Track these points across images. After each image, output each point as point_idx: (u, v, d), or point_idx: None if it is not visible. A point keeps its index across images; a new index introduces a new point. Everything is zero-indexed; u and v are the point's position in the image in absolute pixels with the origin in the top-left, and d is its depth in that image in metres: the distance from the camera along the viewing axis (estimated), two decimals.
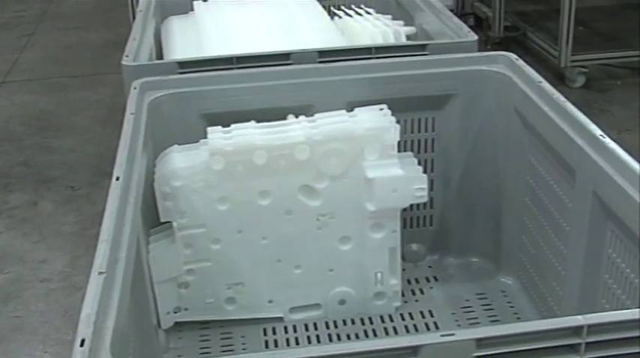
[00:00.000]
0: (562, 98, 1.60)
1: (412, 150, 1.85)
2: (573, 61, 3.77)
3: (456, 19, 2.05)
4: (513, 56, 1.81)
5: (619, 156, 1.38)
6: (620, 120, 3.50)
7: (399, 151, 1.69)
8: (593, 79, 3.89)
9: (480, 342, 0.99)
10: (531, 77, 1.71)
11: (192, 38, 2.19)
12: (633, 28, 4.07)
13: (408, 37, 2.12)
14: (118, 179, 1.37)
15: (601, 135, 1.44)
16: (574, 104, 1.58)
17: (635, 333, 1.01)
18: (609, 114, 3.57)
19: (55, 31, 5.08)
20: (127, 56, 1.87)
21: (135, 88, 1.72)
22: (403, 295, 1.84)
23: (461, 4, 4.62)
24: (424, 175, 1.71)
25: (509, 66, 1.80)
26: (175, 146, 1.71)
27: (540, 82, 1.68)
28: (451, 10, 2.17)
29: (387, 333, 1.77)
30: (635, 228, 1.30)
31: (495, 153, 1.85)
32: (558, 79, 3.80)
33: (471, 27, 1.98)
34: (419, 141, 1.88)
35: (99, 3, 5.52)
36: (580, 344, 1.01)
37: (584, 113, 1.54)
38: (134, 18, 2.36)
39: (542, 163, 1.67)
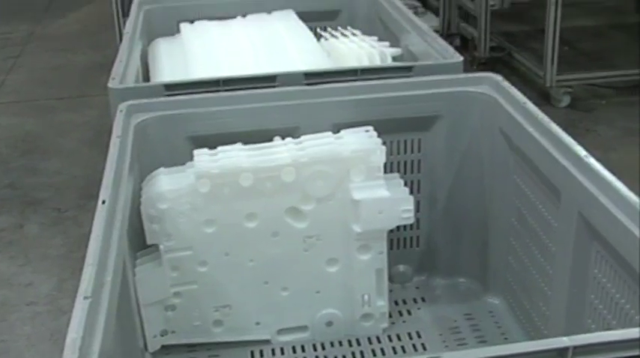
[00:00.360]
0: (547, 119, 1.61)
1: (398, 172, 1.86)
2: (559, 81, 3.81)
3: (442, 40, 2.05)
4: (498, 77, 1.82)
5: (604, 177, 1.38)
6: (606, 139, 3.52)
7: (385, 172, 1.70)
8: (579, 98, 3.92)
9: None
10: (516, 98, 1.72)
11: (178, 60, 2.19)
12: (618, 48, 4.11)
13: (394, 59, 2.13)
14: (104, 202, 1.36)
15: (585, 156, 1.45)
16: (559, 124, 1.59)
17: (621, 354, 1.01)
18: (595, 133, 3.60)
19: (41, 52, 5.08)
20: (113, 78, 1.87)
21: (121, 111, 1.72)
22: (390, 316, 1.83)
23: (446, 24, 4.65)
24: (410, 196, 1.71)
25: (494, 87, 1.81)
26: (162, 169, 1.71)
27: (525, 103, 1.69)
28: (436, 31, 2.18)
29: (374, 355, 1.76)
30: (621, 249, 1.30)
31: (481, 173, 1.85)
32: (544, 98, 3.82)
33: (456, 47, 2.00)
34: (405, 163, 1.88)
35: (86, 25, 5.53)
36: None
37: (570, 133, 1.55)
38: (121, 40, 2.36)
39: (527, 184, 1.68)
